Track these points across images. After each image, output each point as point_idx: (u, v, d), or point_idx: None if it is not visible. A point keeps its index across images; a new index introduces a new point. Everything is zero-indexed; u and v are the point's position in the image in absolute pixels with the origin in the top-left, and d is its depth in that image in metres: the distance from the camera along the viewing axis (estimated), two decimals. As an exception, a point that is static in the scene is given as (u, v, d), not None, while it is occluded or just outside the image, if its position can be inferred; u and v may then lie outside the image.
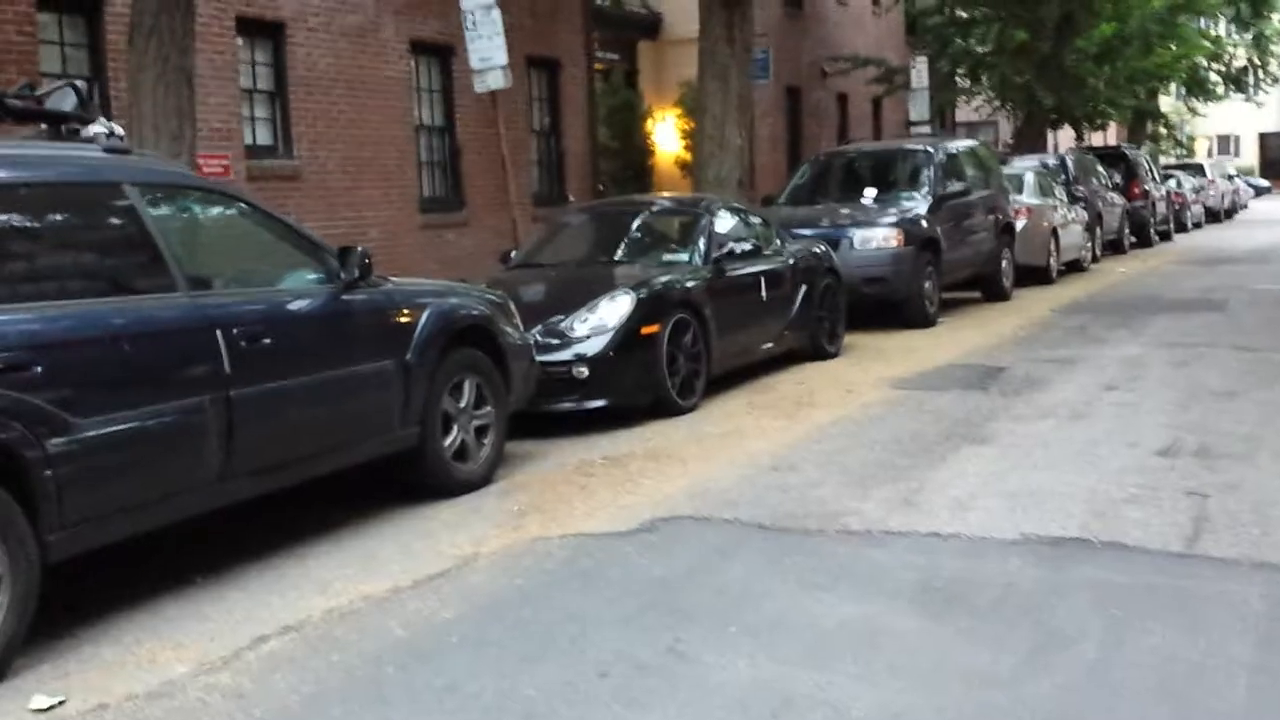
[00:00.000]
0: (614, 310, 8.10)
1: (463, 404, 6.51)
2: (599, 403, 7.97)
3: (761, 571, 5.06)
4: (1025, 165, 19.34)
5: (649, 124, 19.52)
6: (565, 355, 7.91)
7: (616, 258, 9.43)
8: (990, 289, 14.94)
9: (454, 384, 6.44)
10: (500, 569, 5.22)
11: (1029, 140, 26.66)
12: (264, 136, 12.94)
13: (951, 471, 6.56)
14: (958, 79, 29.21)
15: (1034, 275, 16.72)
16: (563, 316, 8.10)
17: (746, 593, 4.80)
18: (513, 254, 10.15)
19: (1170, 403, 8.21)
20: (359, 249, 5.73)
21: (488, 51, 11.71)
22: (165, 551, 5.56)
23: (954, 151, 14.52)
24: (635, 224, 9.80)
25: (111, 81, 10.90)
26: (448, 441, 6.40)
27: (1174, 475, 6.30)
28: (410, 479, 6.35)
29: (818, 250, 10.85)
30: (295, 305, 5.54)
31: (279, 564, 5.45)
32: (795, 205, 13.79)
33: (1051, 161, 21.35)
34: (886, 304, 12.44)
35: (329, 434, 5.62)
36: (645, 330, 8.14)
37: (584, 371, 7.87)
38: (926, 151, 14.04)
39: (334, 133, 13.54)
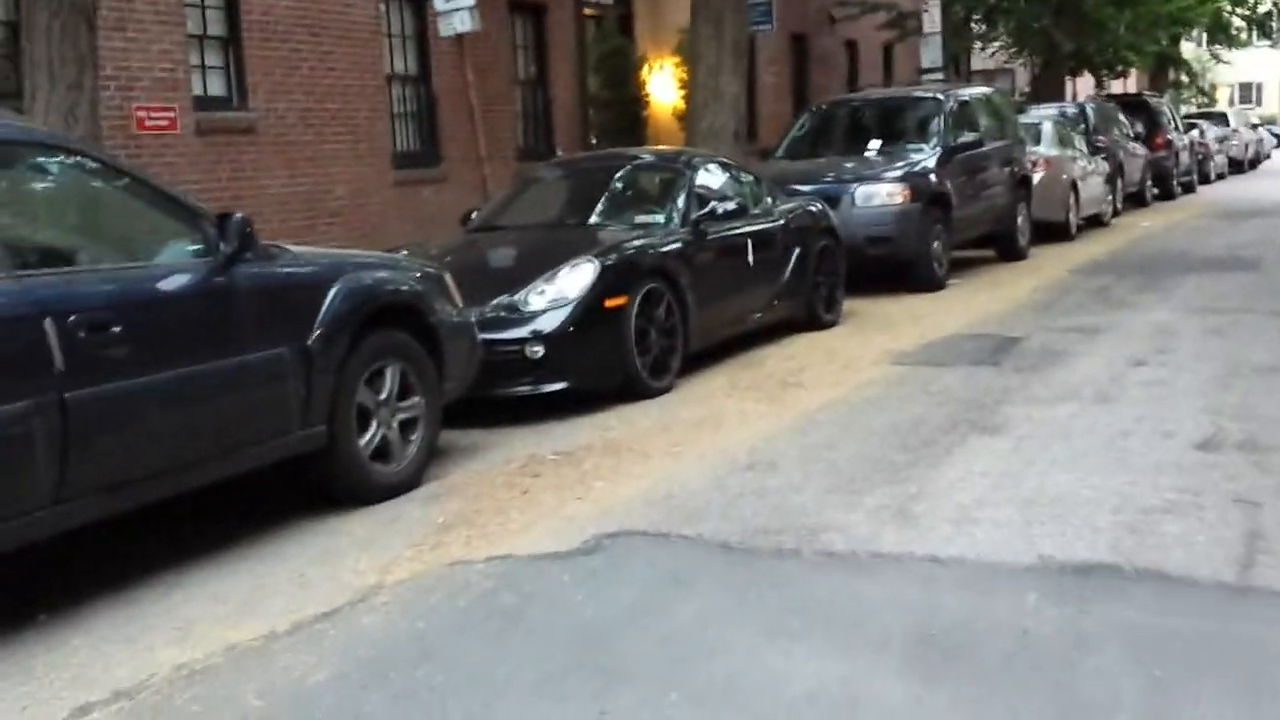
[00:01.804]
0: (574, 280, 7.13)
1: (384, 395, 5.56)
2: (558, 385, 7.02)
3: (720, 611, 4.12)
4: (1043, 114, 18.25)
5: (644, 73, 18.39)
6: (518, 333, 6.95)
7: (585, 220, 8.44)
8: (1005, 247, 13.90)
9: (372, 372, 5.50)
10: (402, 606, 4.29)
11: (1047, 88, 25.45)
12: (216, 87, 11.92)
13: (957, 470, 5.60)
14: (973, 25, 27.95)
15: (1052, 231, 15.66)
16: (517, 288, 7.14)
17: (698, 643, 3.86)
18: (474, 215, 9.16)
19: (1208, 381, 7.22)
20: (238, 215, 4.76)
21: (453, -9, 10.69)
22: (13, 579, 4.65)
23: (966, 99, 13.42)
24: (608, 182, 8.79)
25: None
26: (364, 440, 5.46)
27: (1217, 475, 5.33)
28: (321, 485, 5.42)
29: (814, 209, 9.84)
30: (156, 285, 4.57)
31: (142, 596, 4.53)
32: (793, 159, 12.76)
33: (1071, 110, 20.25)
34: (892, 266, 11.44)
35: (204, 439, 4.68)
36: (610, 303, 7.18)
37: (538, 351, 6.91)
38: (936, 99, 12.96)
39: (294, 82, 12.51)
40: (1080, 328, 9.23)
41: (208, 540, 5.07)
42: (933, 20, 21.99)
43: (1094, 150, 18.68)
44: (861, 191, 11.27)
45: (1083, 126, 19.34)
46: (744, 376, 8.00)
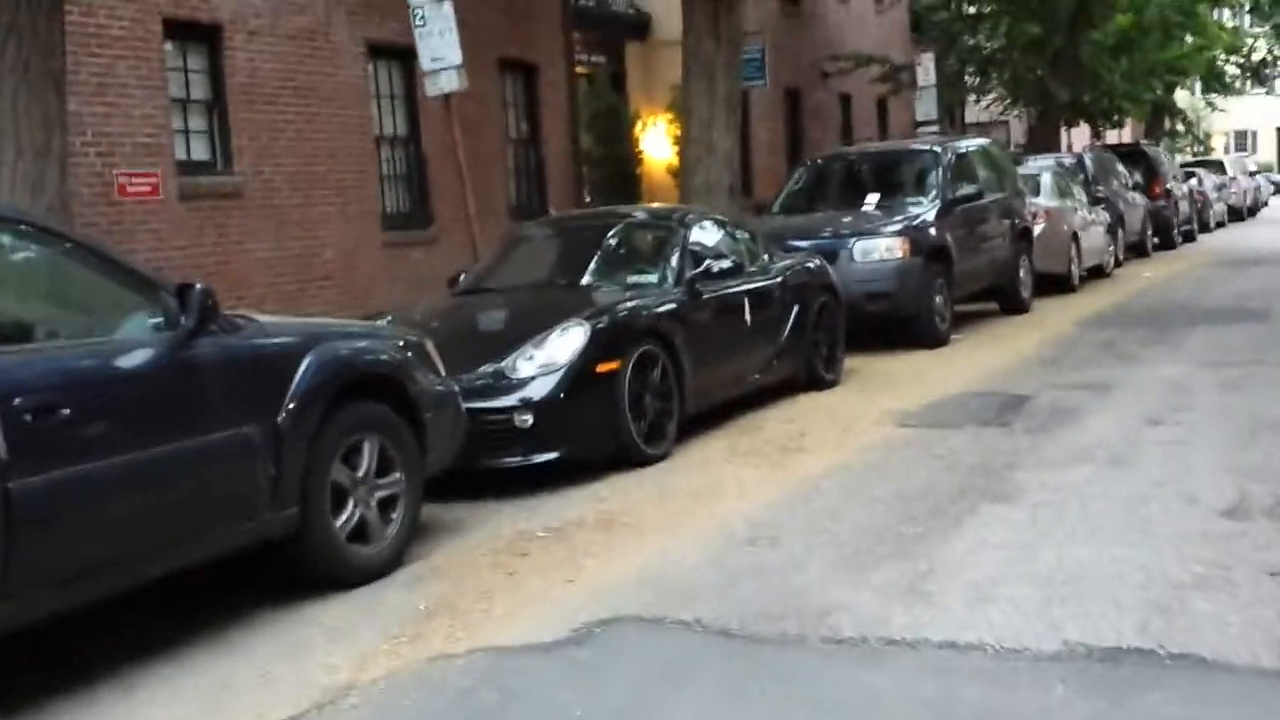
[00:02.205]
0: (565, 345, 6.84)
1: (361, 472, 5.25)
2: (549, 456, 6.70)
3: (719, 709, 3.79)
4: (1041, 165, 18.06)
5: (637, 129, 18.24)
6: (506, 401, 6.65)
7: (576, 280, 8.15)
8: (1007, 300, 13.63)
9: (349, 447, 5.19)
10: (375, 710, 3.96)
11: (1043, 139, 25.31)
12: (200, 151, 11.71)
13: (968, 542, 5.28)
14: (967, 77, 27.92)
15: (1054, 283, 15.40)
16: (505, 354, 6.85)
17: (694, 747, 3.53)
18: (462, 276, 8.89)
19: (1227, 440, 6.92)
20: (199, 286, 4.48)
21: (440, 50, 10.47)
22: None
23: (964, 151, 13.21)
24: (599, 241, 8.52)
25: None
26: (340, 520, 5.15)
27: (1247, 545, 5.02)
28: (294, 569, 5.10)
29: (811, 265, 9.57)
30: (109, 363, 4.28)
31: (104, 695, 4.19)
32: (790, 214, 12.53)
33: (1069, 161, 20.08)
34: (892, 322, 11.16)
35: (164, 526, 4.37)
36: (602, 367, 6.88)
37: (527, 419, 6.60)
38: (933, 152, 12.74)
39: (280, 145, 12.31)
40: (1089, 384, 8.93)
41: (173, 629, 4.74)
42: (927, 73, 21.90)
43: (1094, 200, 18.49)
44: (860, 246, 11.01)
45: (1082, 177, 19.16)
46: (743, 441, 7.69)
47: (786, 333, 8.90)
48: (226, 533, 4.64)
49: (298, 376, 4.90)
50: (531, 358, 6.79)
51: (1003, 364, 10.19)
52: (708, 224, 8.81)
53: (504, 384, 6.72)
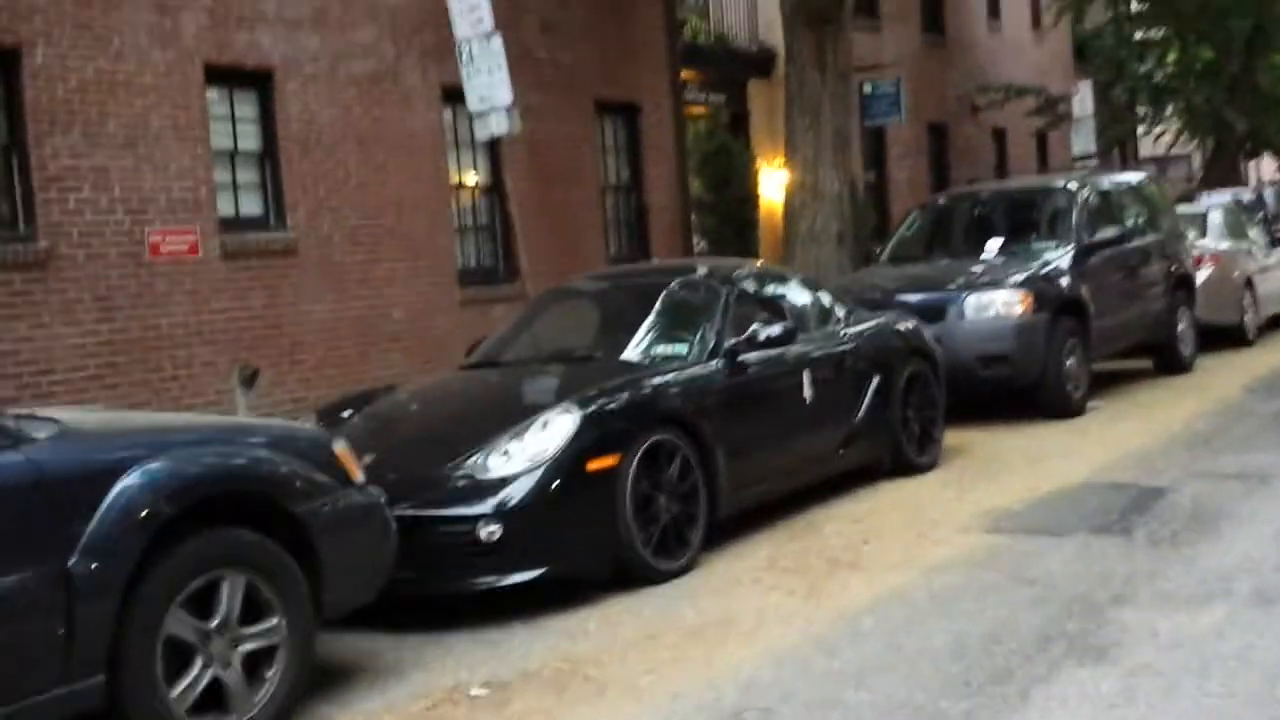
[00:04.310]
0: (548, 436, 5.54)
1: (216, 621, 4.05)
2: (526, 575, 5.39)
3: None
4: (1214, 202, 16.04)
5: (755, 172, 16.88)
6: (471, 509, 5.36)
7: (594, 354, 6.85)
8: (1164, 359, 11.73)
9: (197, 591, 4.00)
10: None
11: (1219, 173, 22.97)
12: (250, 206, 10.87)
13: (1032, 734, 3.76)
14: (1139, 108, 25.71)
15: (1225, 336, 13.40)
16: (477, 447, 5.59)
17: None
18: (480, 344, 7.69)
19: None
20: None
21: (488, 89, 9.39)
22: None
23: (1106, 189, 11.44)
24: (632, 305, 7.19)
25: None
26: (180, 687, 3.94)
27: None
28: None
29: (902, 327, 8.06)
30: None
31: None
32: (900, 263, 10.97)
33: (1247, 197, 17.93)
34: (1014, 389, 9.51)
35: None
36: (596, 464, 5.56)
37: (495, 531, 5.31)
38: (1068, 190, 11.01)
39: (341, 198, 11.38)
40: (1247, 472, 7.18)
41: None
42: (1084, 104, 19.99)
43: (1274, 242, 16.31)
44: (973, 301, 9.41)
45: (1261, 215, 17.01)
46: (789, 549, 6.23)
47: (864, 410, 7.42)
48: (-16, 718, 3.48)
49: (105, 504, 3.73)
50: (507, 453, 5.51)
51: (1143, 442, 8.44)
52: (763, 281, 7.42)
53: (471, 486, 5.45)
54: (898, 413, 7.67)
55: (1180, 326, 11.74)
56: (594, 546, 5.60)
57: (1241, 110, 21.77)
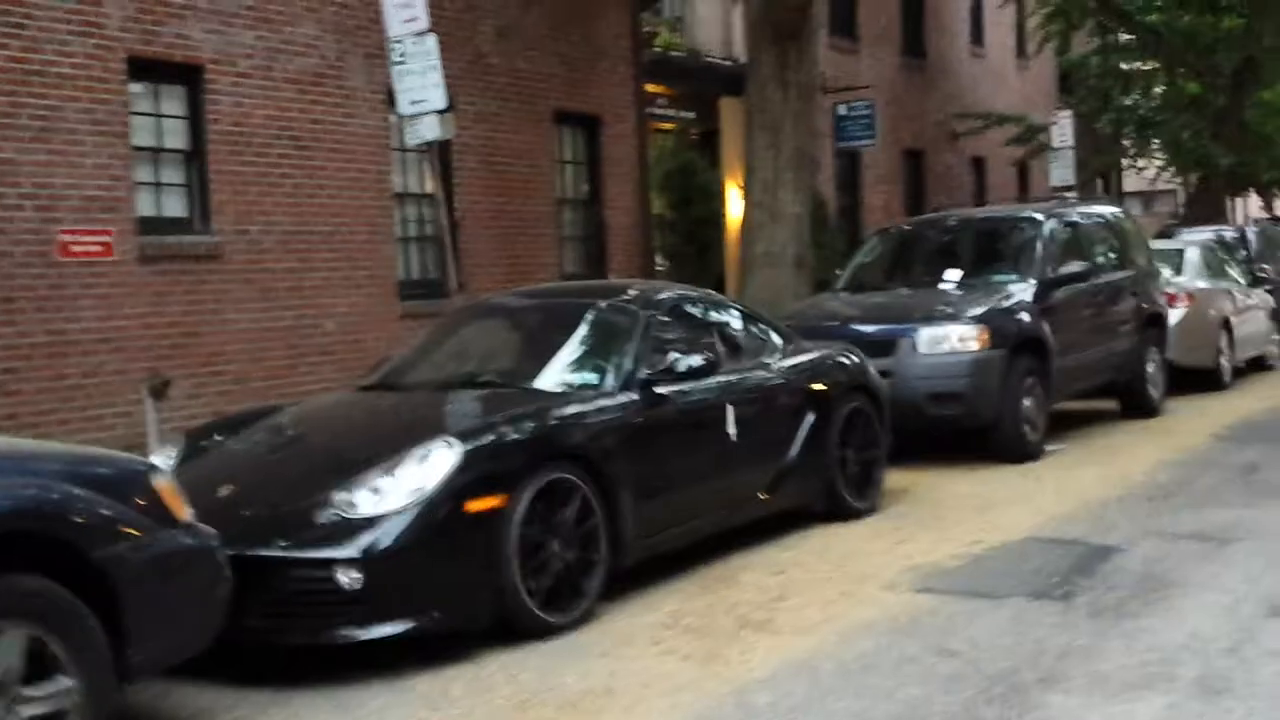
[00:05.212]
0: (425, 473, 4.98)
1: (-16, 685, 3.47)
2: (392, 629, 4.81)
3: None
4: (1194, 239, 15.62)
5: (723, 192, 16.35)
6: (331, 552, 4.79)
7: (497, 380, 6.28)
8: (1130, 401, 11.20)
9: (-43, 650, 3.42)
10: None
11: (1204, 209, 22.52)
12: (173, 207, 10.28)
13: None
14: (1124, 140, 25.30)
15: (1200, 379, 12.89)
16: (343, 483, 5.01)
17: None
18: (384, 363, 7.11)
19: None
20: None
21: (420, 92, 8.81)
22: None
23: (1074, 221, 10.93)
24: (547, 328, 6.64)
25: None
26: (-74, 765, 3.37)
27: None
28: None
29: (844, 359, 7.52)
30: None
31: None
32: (856, 291, 10.44)
33: (1229, 234, 17.50)
34: (966, 430, 8.97)
35: None
36: (476, 505, 4.99)
37: (356, 578, 4.74)
38: (1032, 219, 10.48)
39: (273, 202, 10.79)
40: (1206, 532, 6.64)
41: None
42: (1063, 133, 19.51)
43: (1255, 281, 15.85)
44: (926, 334, 8.86)
45: (1243, 253, 16.57)
46: (697, 604, 5.66)
47: (796, 449, 6.87)
48: None
49: None
50: (377, 489, 4.94)
51: (1101, 492, 7.90)
52: (692, 306, 6.87)
53: (336, 526, 4.88)
54: (834, 452, 7.12)
55: (1149, 368, 11.22)
56: (473, 596, 5.02)
57: (1227, 146, 21.35)
